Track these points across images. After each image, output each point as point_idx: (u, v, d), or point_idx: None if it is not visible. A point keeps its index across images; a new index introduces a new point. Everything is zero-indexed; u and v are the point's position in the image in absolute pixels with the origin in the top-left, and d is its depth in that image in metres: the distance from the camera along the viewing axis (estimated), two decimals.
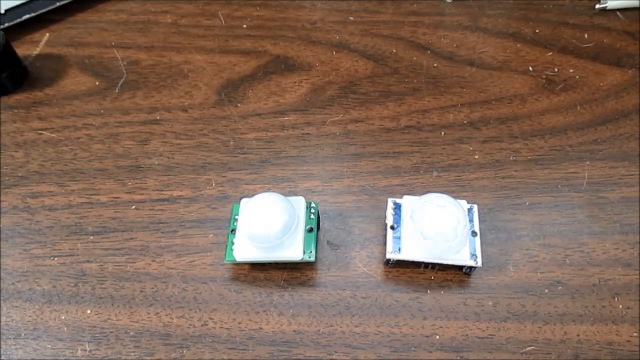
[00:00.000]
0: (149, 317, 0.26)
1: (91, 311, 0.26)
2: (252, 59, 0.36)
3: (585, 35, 0.36)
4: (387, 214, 0.27)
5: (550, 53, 0.35)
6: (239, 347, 0.25)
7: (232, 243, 0.27)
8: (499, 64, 0.35)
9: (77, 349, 0.25)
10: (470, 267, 0.26)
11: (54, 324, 0.26)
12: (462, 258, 0.25)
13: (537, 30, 0.37)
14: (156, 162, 0.32)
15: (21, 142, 0.33)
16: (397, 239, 0.26)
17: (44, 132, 0.33)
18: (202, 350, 0.25)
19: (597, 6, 0.38)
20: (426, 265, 0.26)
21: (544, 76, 0.34)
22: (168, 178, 0.31)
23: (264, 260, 0.26)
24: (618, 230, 0.28)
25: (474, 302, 0.26)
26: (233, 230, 0.27)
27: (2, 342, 0.26)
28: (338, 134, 0.32)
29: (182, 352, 0.25)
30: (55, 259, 0.28)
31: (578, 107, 0.33)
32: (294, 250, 0.25)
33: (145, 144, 0.32)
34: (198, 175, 0.31)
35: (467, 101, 0.33)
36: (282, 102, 0.34)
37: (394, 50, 0.36)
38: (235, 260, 0.26)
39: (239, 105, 0.34)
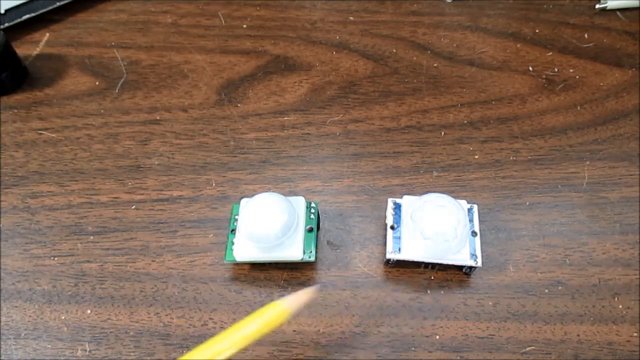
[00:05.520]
0: (149, 317, 0.26)
1: (91, 311, 0.26)
2: (252, 59, 0.36)
3: (585, 35, 0.36)
4: (387, 214, 0.27)
5: (550, 53, 0.35)
6: None
7: (232, 243, 0.27)
8: (499, 64, 0.35)
9: (77, 349, 0.25)
10: (470, 267, 0.26)
11: (54, 324, 0.26)
12: (462, 258, 0.25)
13: (537, 30, 0.37)
14: (156, 162, 0.32)
15: (21, 142, 0.33)
16: (397, 239, 0.26)
17: (44, 132, 0.33)
18: None
19: (597, 6, 0.38)
20: (426, 265, 0.26)
21: (544, 76, 0.34)
22: (168, 178, 0.31)
23: (264, 260, 0.26)
24: (618, 230, 0.28)
25: (474, 302, 0.26)
26: (233, 230, 0.27)
27: (2, 342, 0.26)
28: (338, 134, 0.32)
29: (182, 352, 0.25)
30: (55, 259, 0.28)
31: (578, 107, 0.33)
32: (294, 250, 0.25)
33: (145, 144, 0.32)
34: (198, 175, 0.31)
35: (467, 101, 0.33)
36: (282, 102, 0.34)
37: (394, 50, 0.36)
38: (235, 260, 0.26)
39: (239, 105, 0.34)
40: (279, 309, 0.21)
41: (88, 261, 0.28)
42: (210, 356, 0.20)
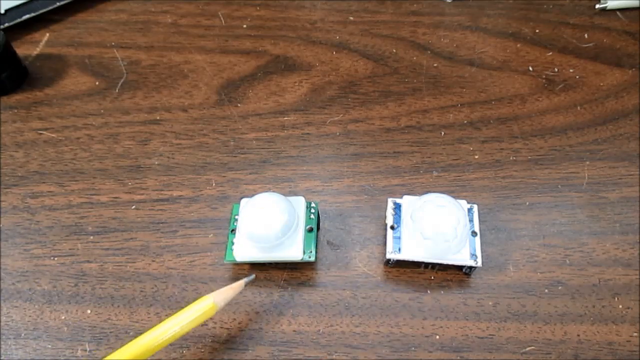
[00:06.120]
0: (149, 317, 0.26)
1: (91, 311, 0.26)
2: (252, 59, 0.36)
3: (585, 35, 0.36)
4: (387, 214, 0.27)
5: (550, 53, 0.35)
6: (239, 347, 0.25)
7: (232, 243, 0.27)
8: (499, 64, 0.35)
9: (77, 349, 0.25)
10: (470, 267, 0.26)
11: (54, 324, 0.26)
12: (462, 258, 0.25)
13: (537, 30, 0.37)
14: (156, 162, 0.32)
15: (21, 142, 0.33)
16: (397, 239, 0.26)
17: (44, 132, 0.33)
18: (202, 350, 0.25)
19: (597, 6, 0.38)
20: (426, 265, 0.26)
21: (544, 76, 0.34)
22: (168, 178, 0.31)
23: (264, 260, 0.26)
24: (618, 230, 0.28)
25: (474, 302, 0.26)
26: (233, 230, 0.27)
27: (2, 342, 0.26)
28: (338, 134, 0.32)
29: (182, 352, 0.25)
30: (55, 259, 0.28)
31: (578, 107, 0.33)
32: (294, 250, 0.25)
33: (145, 144, 0.32)
34: (198, 175, 0.31)
35: (467, 101, 0.33)
36: (282, 102, 0.34)
37: (394, 50, 0.36)
38: (235, 260, 0.26)
39: (239, 105, 0.34)
40: (208, 304, 0.23)
41: (88, 261, 0.28)
42: (141, 351, 0.22)
